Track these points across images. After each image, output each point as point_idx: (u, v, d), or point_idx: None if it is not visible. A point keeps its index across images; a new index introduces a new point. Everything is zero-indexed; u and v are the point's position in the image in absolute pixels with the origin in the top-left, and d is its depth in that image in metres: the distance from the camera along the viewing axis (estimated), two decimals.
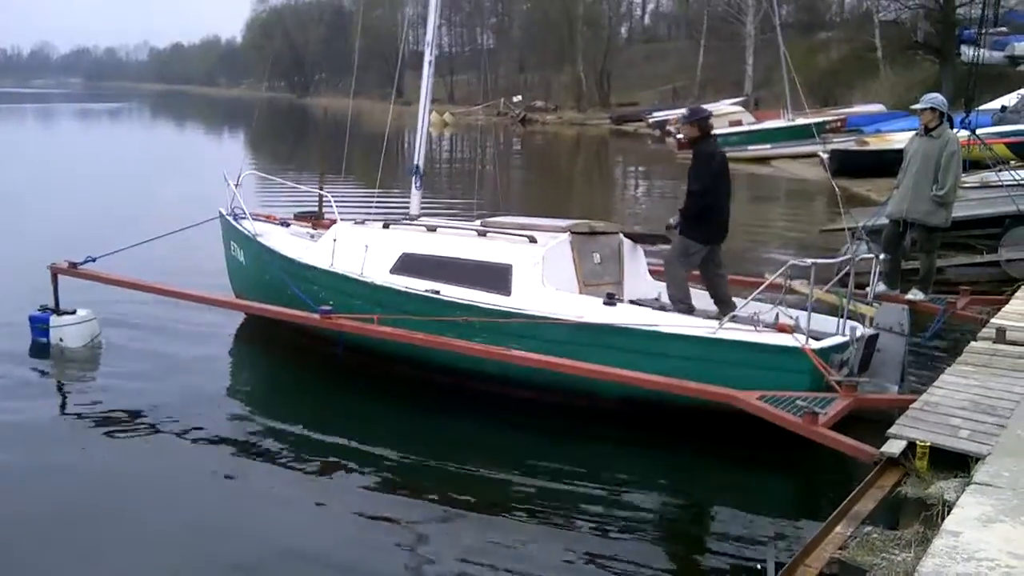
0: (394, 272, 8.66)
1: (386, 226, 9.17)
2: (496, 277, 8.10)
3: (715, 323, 7.30)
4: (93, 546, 5.87)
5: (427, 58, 10.13)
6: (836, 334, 7.34)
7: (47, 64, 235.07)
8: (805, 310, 7.33)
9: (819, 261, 7.41)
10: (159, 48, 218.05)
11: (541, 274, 7.98)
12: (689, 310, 8.30)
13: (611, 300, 7.75)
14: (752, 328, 7.17)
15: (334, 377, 9.05)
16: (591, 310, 7.69)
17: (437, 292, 8.23)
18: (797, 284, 8.21)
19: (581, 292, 8.27)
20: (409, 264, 8.62)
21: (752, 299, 7.41)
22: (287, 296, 9.13)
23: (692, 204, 8.34)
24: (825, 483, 6.62)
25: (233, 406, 8.50)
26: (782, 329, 7.18)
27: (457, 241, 8.60)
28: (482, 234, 8.57)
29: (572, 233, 8.43)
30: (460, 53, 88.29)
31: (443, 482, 6.73)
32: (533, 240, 8.28)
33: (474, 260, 8.32)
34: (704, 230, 8.38)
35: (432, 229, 8.90)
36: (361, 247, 8.66)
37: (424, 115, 10.31)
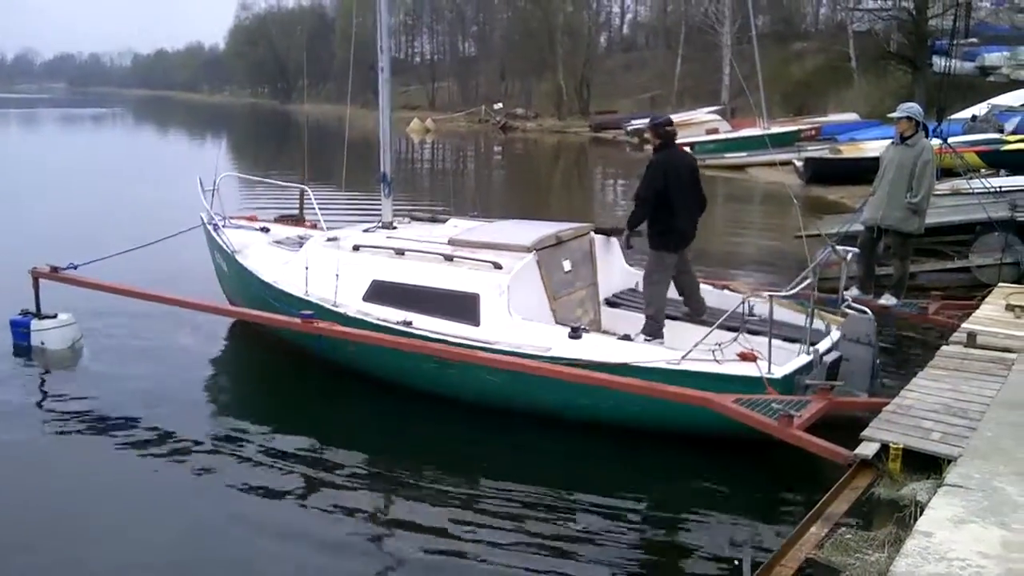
0: (367, 299, 8.58)
1: (356, 248, 9.06)
2: (464, 307, 8.04)
3: (678, 354, 7.24)
4: (71, 547, 5.81)
5: (381, 64, 10.05)
6: (800, 354, 7.31)
7: (31, 70, 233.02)
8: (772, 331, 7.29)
9: (776, 294, 7.44)
10: (143, 54, 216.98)
11: (507, 303, 7.92)
12: (658, 329, 8.32)
13: (576, 333, 7.68)
14: (714, 359, 7.13)
15: (317, 379, 9.00)
16: (557, 342, 7.62)
17: (409, 323, 8.14)
18: (759, 304, 8.12)
19: (552, 307, 8.26)
20: (380, 292, 8.55)
21: (715, 328, 7.33)
22: (271, 310, 9.09)
23: (635, 210, 8.46)
24: (799, 485, 6.63)
25: (215, 409, 8.45)
26: (745, 357, 7.13)
27: (425, 268, 8.48)
28: (449, 258, 8.45)
29: (537, 251, 8.33)
30: (441, 61, 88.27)
31: (418, 486, 6.72)
32: (498, 266, 8.16)
33: (442, 289, 8.24)
34: (672, 238, 8.42)
35: (400, 253, 8.75)
36: (333, 272, 8.58)
37: (385, 124, 10.25)
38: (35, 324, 9.50)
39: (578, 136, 53.66)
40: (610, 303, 9.14)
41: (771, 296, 7.32)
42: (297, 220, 12.23)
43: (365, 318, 8.35)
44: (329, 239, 9.54)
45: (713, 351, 7.12)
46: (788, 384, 6.92)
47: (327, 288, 8.63)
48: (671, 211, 8.29)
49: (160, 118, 79.03)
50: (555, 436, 7.46)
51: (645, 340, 8.14)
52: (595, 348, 7.51)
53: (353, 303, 8.58)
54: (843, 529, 4.66)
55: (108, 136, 56.92)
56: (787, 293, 7.52)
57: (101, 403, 8.21)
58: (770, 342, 7.11)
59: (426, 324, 8.09)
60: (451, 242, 8.71)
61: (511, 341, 7.69)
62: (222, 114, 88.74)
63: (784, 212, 19.21)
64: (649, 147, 8.92)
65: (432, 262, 8.51)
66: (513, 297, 7.97)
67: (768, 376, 6.86)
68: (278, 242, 10.74)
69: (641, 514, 6.44)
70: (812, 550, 4.49)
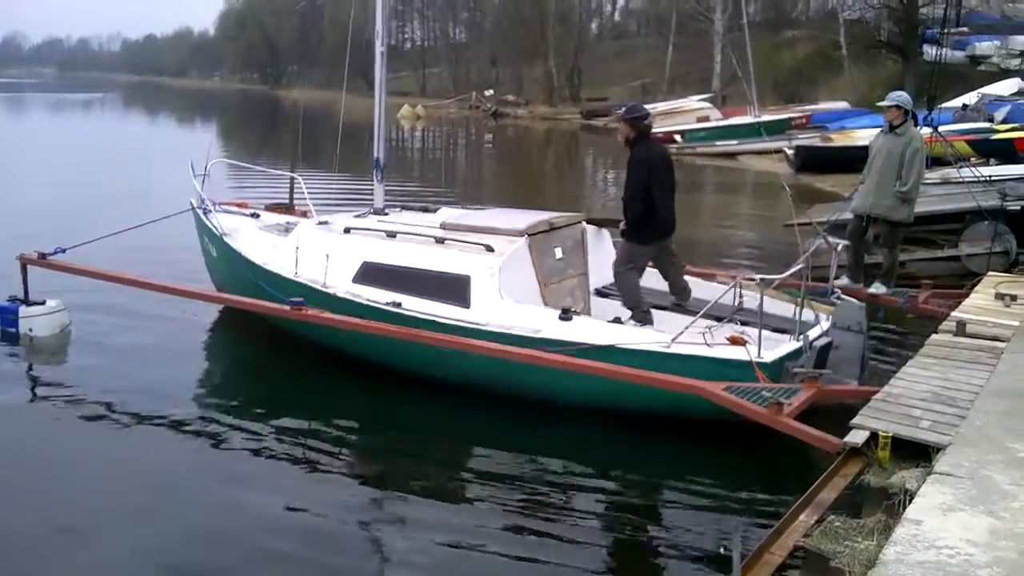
0: (356, 281, 8.54)
1: (347, 231, 9.01)
2: (455, 288, 8.02)
3: (668, 337, 7.24)
4: (57, 534, 5.78)
5: (378, 49, 10.02)
6: (791, 340, 7.32)
7: (19, 54, 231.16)
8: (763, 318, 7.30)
9: (767, 278, 7.43)
10: (132, 39, 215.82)
11: (498, 285, 7.90)
12: (645, 316, 8.25)
13: (566, 315, 7.68)
14: (703, 342, 7.13)
15: (305, 363, 8.96)
16: (547, 325, 7.62)
17: (399, 304, 8.12)
18: (749, 296, 8.12)
19: (542, 293, 8.23)
20: (370, 274, 8.51)
21: (704, 312, 7.35)
22: (258, 294, 9.05)
23: (628, 211, 8.27)
24: (789, 473, 6.64)
25: (204, 394, 8.41)
26: (734, 341, 7.13)
27: (416, 250, 8.45)
28: (440, 241, 8.42)
29: (529, 236, 8.31)
30: (432, 47, 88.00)
31: (408, 468, 6.78)
32: (490, 249, 8.14)
33: (433, 271, 8.21)
34: (646, 232, 8.29)
35: (392, 235, 8.73)
36: (323, 254, 8.55)
37: (380, 110, 10.22)
38: (23, 311, 9.44)
39: (569, 123, 53.60)
40: (600, 293, 9.12)
41: (761, 280, 7.30)
42: (288, 208, 12.18)
43: (355, 299, 8.32)
44: (320, 223, 9.51)
45: (703, 334, 7.13)
46: (777, 369, 6.92)
47: (317, 270, 8.59)
48: (651, 205, 8.16)
49: (150, 103, 78.59)
50: (542, 422, 7.45)
51: (635, 325, 8.14)
52: (585, 331, 7.50)
53: (343, 284, 8.55)
54: (832, 517, 4.67)
55: (98, 121, 56.61)
56: (778, 278, 7.52)
57: (89, 390, 8.17)
58: (760, 327, 7.10)
59: (416, 305, 8.07)
60: (443, 226, 8.69)
61: (501, 323, 7.68)
62: (212, 99, 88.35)
63: (774, 200, 19.24)
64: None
65: (423, 244, 8.49)
66: (504, 280, 7.95)
67: (757, 360, 6.87)
68: (268, 228, 10.69)
69: (630, 501, 6.44)
70: (801, 537, 4.50)
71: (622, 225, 8.42)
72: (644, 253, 8.35)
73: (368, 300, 8.26)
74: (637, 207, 8.17)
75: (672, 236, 8.54)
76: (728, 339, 7.16)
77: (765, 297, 7.29)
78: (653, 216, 8.22)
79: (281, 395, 8.33)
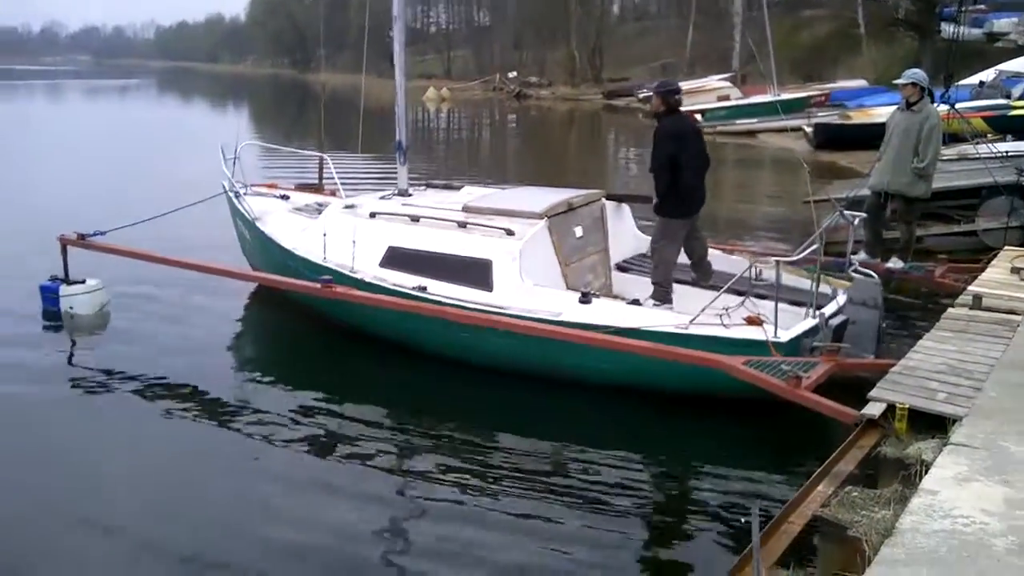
0: (383, 266, 8.59)
1: (373, 215, 9.01)
2: (478, 272, 8.05)
3: (686, 319, 7.21)
4: (94, 506, 5.89)
5: (396, 35, 9.98)
6: (807, 318, 7.27)
7: (56, 42, 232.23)
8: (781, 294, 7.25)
9: (783, 260, 7.33)
10: (165, 26, 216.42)
11: (519, 268, 7.92)
12: (666, 296, 8.22)
13: (586, 298, 7.68)
14: (721, 323, 7.10)
15: (343, 346, 8.95)
16: (567, 307, 7.62)
17: (424, 288, 8.15)
18: (767, 270, 8.07)
19: (563, 272, 8.24)
20: (396, 258, 8.54)
21: (723, 292, 7.32)
22: (291, 277, 9.08)
23: (657, 184, 8.20)
24: (807, 445, 6.62)
25: (237, 371, 8.51)
26: (751, 321, 7.10)
27: (439, 235, 8.46)
28: (463, 225, 8.43)
29: (548, 218, 8.32)
30: (457, 30, 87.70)
31: (431, 447, 6.78)
32: (511, 232, 8.15)
33: (456, 255, 8.24)
34: (681, 206, 8.23)
35: (416, 219, 8.75)
36: (350, 239, 8.58)
37: (401, 95, 10.21)
38: (63, 289, 9.54)
39: (591, 103, 53.34)
40: (621, 268, 9.11)
41: (778, 261, 7.26)
42: (317, 188, 12.21)
43: (381, 283, 8.36)
44: (346, 206, 9.52)
45: (720, 315, 7.10)
46: (793, 347, 6.89)
47: (344, 254, 8.63)
48: (680, 177, 8.10)
49: (183, 88, 78.93)
50: (568, 398, 7.47)
51: (654, 305, 8.12)
52: (605, 313, 7.50)
53: (370, 269, 8.58)
54: (850, 487, 4.65)
55: (133, 106, 56.87)
56: (794, 258, 7.47)
57: (127, 365, 8.26)
58: (776, 306, 7.05)
59: (440, 289, 8.10)
60: (465, 209, 8.69)
61: (523, 306, 7.69)
62: (243, 84, 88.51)
63: (793, 177, 19.10)
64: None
65: (446, 229, 8.50)
66: (525, 263, 7.96)
67: (774, 340, 6.84)
68: (298, 209, 10.73)
69: (653, 473, 6.46)
70: (819, 507, 4.48)
71: (655, 200, 8.34)
72: (679, 227, 8.27)
73: (394, 284, 8.30)
74: (664, 178, 8.09)
75: (699, 212, 8.48)
76: (745, 319, 7.13)
77: (783, 271, 7.25)
78: (682, 189, 8.15)
79: (311, 379, 8.29)
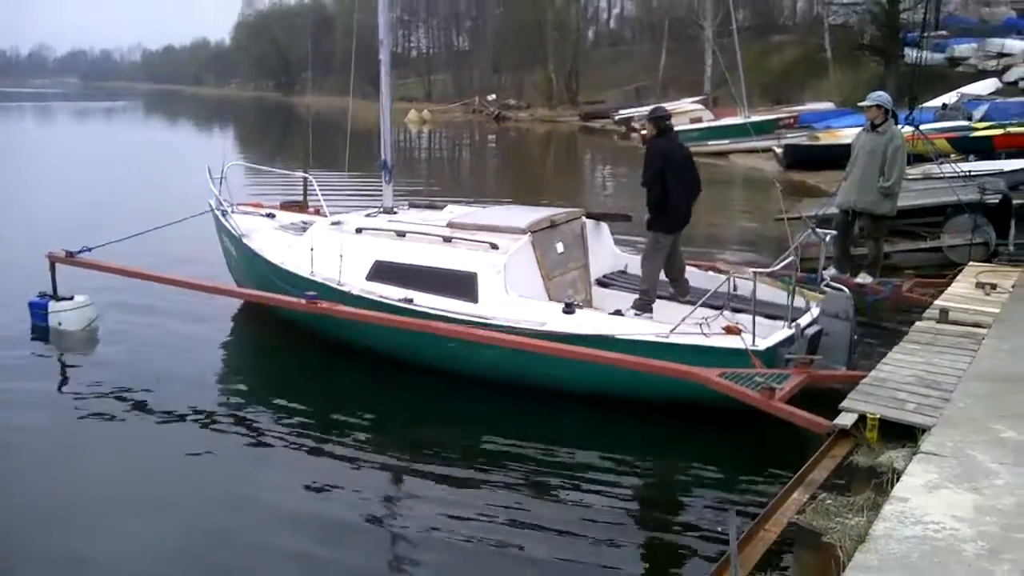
0: (369, 279, 8.56)
1: (359, 231, 8.99)
2: (463, 285, 8.05)
3: (667, 328, 7.24)
4: (83, 525, 5.80)
5: (382, 56, 9.99)
6: (783, 328, 7.30)
7: (44, 65, 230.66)
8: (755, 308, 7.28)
9: (760, 271, 7.46)
10: (152, 50, 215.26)
11: (504, 281, 7.93)
12: (647, 306, 8.37)
13: (570, 308, 7.71)
14: (700, 332, 7.13)
15: (329, 360, 8.91)
16: (551, 317, 7.64)
17: (410, 300, 8.13)
18: (743, 284, 8.12)
19: (546, 286, 8.27)
20: (383, 272, 8.52)
21: (701, 305, 7.36)
22: (277, 292, 9.03)
23: (648, 195, 8.48)
24: (782, 454, 6.63)
25: (225, 387, 8.41)
26: (730, 331, 7.14)
27: (425, 249, 8.47)
28: (448, 240, 8.44)
29: (532, 233, 8.36)
30: (437, 54, 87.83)
31: (417, 458, 6.73)
32: (496, 246, 8.17)
33: (442, 268, 8.24)
34: (668, 221, 8.48)
35: (402, 235, 8.74)
36: (337, 254, 8.55)
37: (385, 116, 10.21)
38: (52, 306, 9.46)
39: (568, 125, 53.55)
40: (601, 283, 9.15)
41: (755, 273, 7.33)
42: (301, 206, 12.17)
43: (368, 297, 8.32)
44: (333, 223, 9.50)
45: (700, 324, 7.13)
46: (771, 355, 6.92)
47: (331, 268, 8.59)
48: (667, 194, 8.35)
49: (169, 111, 78.51)
50: (543, 408, 7.46)
51: (636, 315, 8.17)
52: (588, 323, 7.51)
53: (356, 283, 8.54)
54: (824, 495, 4.65)
55: (120, 128, 56.52)
56: (771, 269, 7.53)
57: (115, 381, 8.17)
58: (754, 316, 7.10)
59: (426, 301, 8.08)
60: (450, 224, 8.69)
61: (508, 317, 7.69)
62: (229, 107, 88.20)
63: (764, 196, 19.22)
64: (635, 135, 8.92)
65: (432, 243, 8.49)
66: (509, 276, 7.96)
67: (752, 348, 6.86)
68: (283, 227, 10.69)
69: (631, 483, 6.44)
70: (794, 515, 4.48)
71: (646, 216, 8.56)
72: (667, 240, 8.53)
73: (381, 297, 8.27)
74: (655, 191, 8.36)
75: (681, 231, 8.67)
76: (724, 329, 7.16)
77: (759, 284, 7.29)
78: (668, 205, 8.39)
79: (297, 390, 8.28)
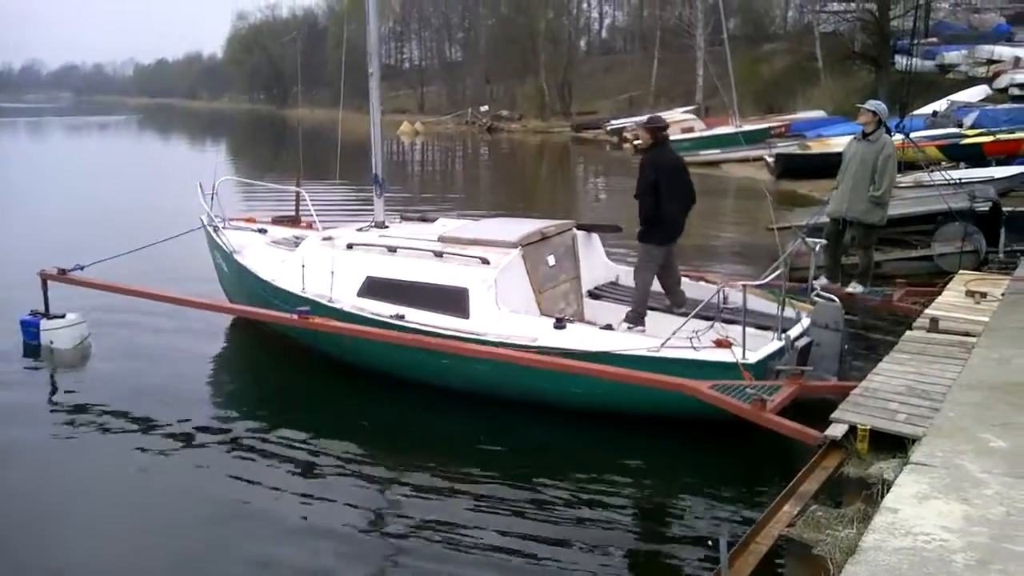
0: (361, 295, 8.56)
1: (351, 247, 8.99)
2: (454, 301, 8.04)
3: (658, 342, 7.25)
4: (74, 542, 5.79)
5: (371, 70, 10.02)
6: (773, 340, 7.32)
7: (37, 80, 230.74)
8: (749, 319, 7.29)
9: (749, 284, 7.47)
10: (144, 64, 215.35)
11: (495, 296, 7.93)
12: (639, 319, 8.35)
13: (560, 323, 7.71)
14: (691, 346, 7.13)
15: (314, 372, 8.93)
16: (542, 333, 7.64)
17: (402, 316, 8.13)
18: (734, 294, 8.14)
19: (537, 300, 8.28)
20: (374, 288, 8.52)
21: (691, 318, 7.37)
22: (270, 308, 9.04)
23: (640, 207, 8.39)
24: (772, 466, 6.64)
25: (218, 404, 8.41)
26: (720, 344, 7.13)
27: (416, 264, 8.47)
28: (439, 255, 8.43)
29: (522, 246, 8.36)
30: (430, 66, 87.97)
31: (409, 472, 6.71)
32: (486, 261, 8.16)
33: (433, 284, 8.23)
34: (660, 233, 8.41)
35: (393, 250, 8.74)
36: (328, 270, 8.56)
37: (376, 128, 10.24)
38: (44, 324, 9.45)
39: (560, 136, 53.64)
40: (592, 295, 9.15)
41: (744, 286, 7.34)
42: (293, 221, 12.17)
43: (360, 313, 8.32)
44: (324, 239, 9.50)
45: (690, 338, 7.13)
46: (761, 368, 6.93)
47: (323, 284, 8.60)
48: (659, 206, 8.27)
49: (163, 125, 78.49)
50: (536, 422, 7.46)
51: (628, 328, 8.17)
52: (579, 337, 7.51)
53: (348, 299, 8.55)
54: (814, 507, 4.67)
55: (114, 144, 56.46)
56: (760, 282, 7.54)
57: (107, 399, 8.16)
58: (744, 329, 7.11)
59: (418, 317, 8.07)
60: (441, 239, 8.69)
61: (499, 332, 7.69)
62: (221, 120, 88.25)
63: (756, 206, 19.25)
64: (627, 146, 8.92)
65: (423, 258, 8.49)
66: (500, 290, 7.96)
67: (743, 362, 6.87)
68: (275, 242, 10.69)
69: (622, 496, 6.43)
70: (785, 527, 4.50)
71: (639, 229, 8.50)
72: (660, 252, 8.44)
73: (373, 313, 8.26)
74: (648, 202, 8.27)
75: (675, 242, 8.61)
76: (714, 342, 7.16)
77: (749, 295, 7.31)
78: (660, 217, 8.31)
79: (289, 405, 8.30)
